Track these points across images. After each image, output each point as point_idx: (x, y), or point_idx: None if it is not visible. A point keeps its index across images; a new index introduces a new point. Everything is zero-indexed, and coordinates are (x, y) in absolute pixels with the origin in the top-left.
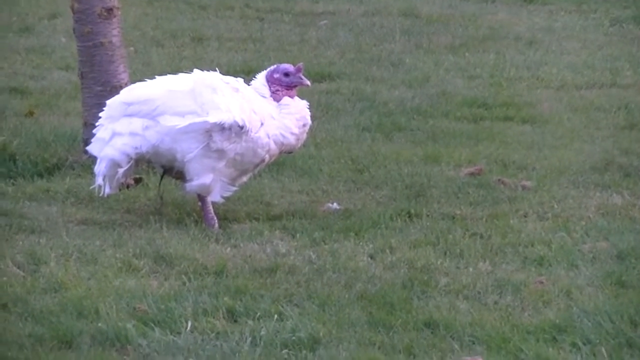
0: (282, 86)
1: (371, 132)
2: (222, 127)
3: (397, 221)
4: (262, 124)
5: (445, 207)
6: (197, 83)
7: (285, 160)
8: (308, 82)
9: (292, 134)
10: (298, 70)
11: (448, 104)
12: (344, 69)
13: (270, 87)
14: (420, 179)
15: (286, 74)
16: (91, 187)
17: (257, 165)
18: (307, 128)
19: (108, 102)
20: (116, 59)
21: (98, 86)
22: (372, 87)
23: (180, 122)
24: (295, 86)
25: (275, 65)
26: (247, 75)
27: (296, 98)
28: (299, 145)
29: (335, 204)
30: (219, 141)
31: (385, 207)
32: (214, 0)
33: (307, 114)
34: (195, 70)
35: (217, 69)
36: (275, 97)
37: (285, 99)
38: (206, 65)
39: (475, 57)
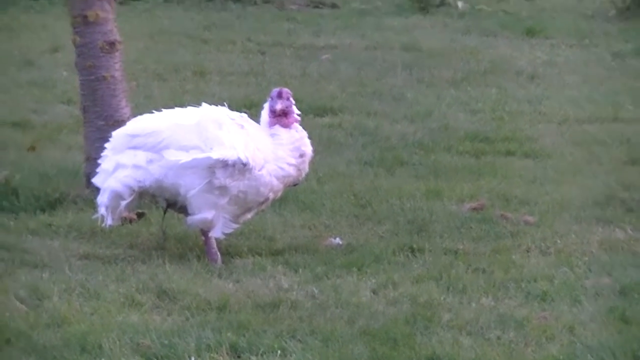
0: (272, 114)
1: (373, 166)
2: (225, 164)
3: (400, 256)
4: (265, 162)
5: (448, 242)
6: (203, 118)
7: (287, 195)
8: (278, 106)
9: (290, 164)
10: (277, 95)
11: (450, 138)
12: (346, 103)
13: (269, 118)
14: (423, 213)
15: (271, 99)
16: (93, 217)
17: (261, 203)
18: (306, 158)
19: (113, 133)
20: (118, 93)
21: (100, 120)
22: (374, 121)
23: (184, 157)
24: (286, 114)
25: None
26: (249, 109)
27: (293, 127)
28: (302, 175)
29: (337, 238)
30: (221, 177)
31: (387, 242)
32: (216, 34)
33: (303, 143)
34: (204, 104)
35: (225, 103)
36: (270, 127)
37: (276, 129)
38: (208, 99)
39: (477, 91)
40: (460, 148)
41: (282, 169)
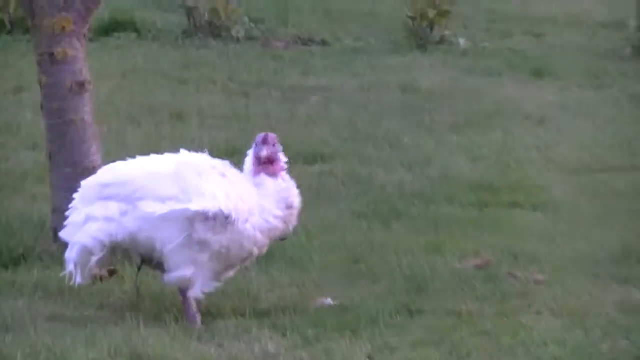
0: (257, 162)
1: (367, 218)
2: (205, 216)
3: (397, 318)
4: (250, 214)
5: (450, 303)
6: (181, 165)
7: (274, 250)
8: (264, 153)
9: (276, 217)
10: (262, 140)
11: (451, 188)
12: (338, 149)
13: (253, 166)
14: (422, 271)
15: (256, 145)
16: (61, 274)
17: (245, 259)
18: (295, 210)
19: (83, 183)
20: (88, 138)
21: (68, 167)
22: (368, 169)
23: (160, 209)
24: (272, 161)
25: None
26: (232, 156)
27: (280, 176)
28: (290, 229)
29: (329, 298)
30: (201, 231)
31: (384, 303)
32: (195, 73)
33: (291, 194)
34: (182, 151)
35: (205, 150)
36: (255, 176)
37: (261, 178)
38: (187, 145)
39: (480, 136)
40: (462, 199)
41: (267, 221)
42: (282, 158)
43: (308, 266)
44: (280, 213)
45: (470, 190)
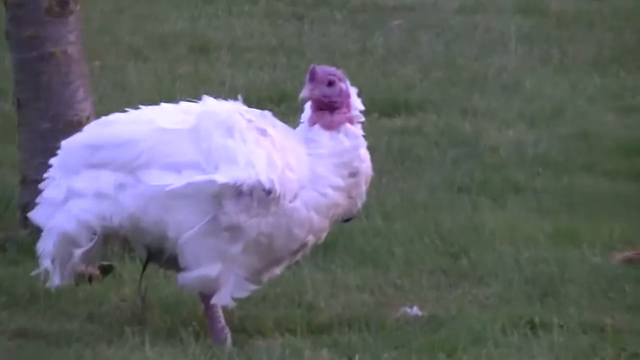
0: (313, 106)
1: (471, 194)
2: (238, 192)
3: (513, 335)
4: (301, 187)
5: (589, 313)
6: (203, 119)
7: (336, 239)
8: (306, 93)
9: (335, 188)
10: (310, 76)
11: (592, 151)
12: (429, 96)
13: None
14: (549, 268)
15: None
16: (33, 273)
17: (296, 251)
18: (361, 178)
19: (63, 144)
20: (74, 79)
21: (45, 122)
22: (473, 124)
23: (174, 181)
24: (332, 107)
25: None
26: (278, 105)
27: (341, 129)
28: (356, 206)
29: (415, 307)
30: (232, 212)
31: (494, 313)
32: None
33: (356, 156)
34: (205, 98)
35: (239, 96)
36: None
37: (314, 131)
38: (212, 89)
39: (633, 77)
40: (608, 166)
41: (324, 195)
42: (349, 102)
43: (385, 261)
44: (341, 182)
45: (618, 154)
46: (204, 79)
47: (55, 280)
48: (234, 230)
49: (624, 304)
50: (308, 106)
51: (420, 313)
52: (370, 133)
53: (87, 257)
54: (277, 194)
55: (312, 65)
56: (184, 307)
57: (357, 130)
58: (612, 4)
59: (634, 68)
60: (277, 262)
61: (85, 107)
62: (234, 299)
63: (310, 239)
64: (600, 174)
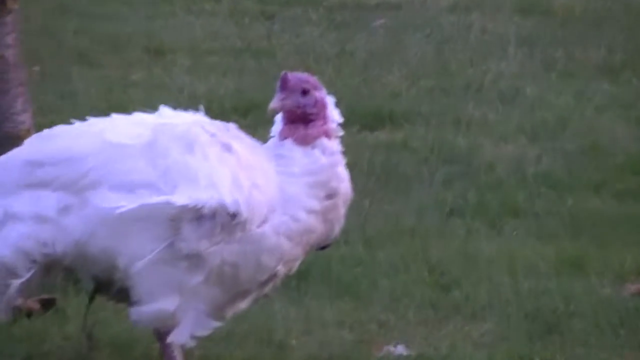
0: (284, 118)
1: (465, 217)
2: (199, 215)
3: None
4: (270, 210)
5: (598, 354)
6: (159, 133)
7: (310, 267)
8: (277, 103)
9: (310, 212)
10: (280, 83)
11: (600, 168)
12: (417, 106)
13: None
14: (552, 301)
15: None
16: None
17: (265, 283)
18: (340, 199)
19: (1, 159)
20: (11, 86)
21: None
22: (467, 138)
23: (127, 202)
24: (306, 119)
25: None
26: (244, 117)
27: (317, 144)
28: (334, 231)
29: (400, 346)
30: (192, 239)
31: (490, 353)
32: None
33: (334, 174)
34: (161, 108)
35: (200, 106)
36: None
37: (285, 146)
38: (170, 98)
39: None
40: (618, 186)
41: (296, 219)
42: (325, 114)
43: (367, 294)
44: (316, 205)
45: (630, 171)
46: (160, 86)
47: None
48: (194, 259)
49: (637, 342)
50: (279, 118)
51: (406, 352)
52: (350, 148)
53: (25, 289)
54: (243, 218)
55: (283, 72)
56: (137, 347)
57: (335, 145)
58: (624, 1)
59: None
60: (243, 295)
61: (25, 118)
62: (194, 337)
63: (281, 269)
64: (610, 194)
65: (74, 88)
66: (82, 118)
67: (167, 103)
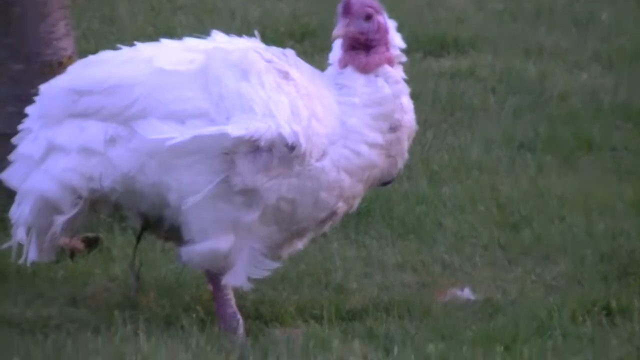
0: (345, 44)
1: (535, 152)
2: (255, 147)
3: (586, 323)
4: (330, 143)
5: None
6: (212, 59)
7: (372, 205)
8: (340, 30)
9: (372, 145)
10: (342, 9)
11: None
12: (484, 32)
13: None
14: (629, 242)
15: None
16: (3, 247)
17: (323, 221)
18: (404, 132)
19: (42, 89)
20: (52, 10)
21: (17, 62)
22: (538, 66)
23: (178, 134)
24: (367, 45)
25: None
26: (301, 43)
27: (379, 72)
28: (397, 166)
29: (466, 290)
30: (248, 173)
31: (563, 297)
32: None
33: (398, 105)
34: (214, 33)
35: (255, 31)
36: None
37: (346, 74)
38: (222, 23)
39: None
40: None
41: (358, 153)
42: (387, 39)
43: (430, 233)
44: (378, 138)
45: None
46: (211, 10)
47: (31, 256)
48: (249, 195)
49: None
50: (338, 44)
51: (472, 297)
52: (413, 77)
53: (69, 227)
54: (302, 151)
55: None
56: (186, 289)
57: (399, 73)
58: None
59: None
60: (300, 234)
61: (66, 44)
62: (249, 279)
63: (341, 207)
64: None
65: (119, 12)
66: (129, 43)
67: (218, 28)
